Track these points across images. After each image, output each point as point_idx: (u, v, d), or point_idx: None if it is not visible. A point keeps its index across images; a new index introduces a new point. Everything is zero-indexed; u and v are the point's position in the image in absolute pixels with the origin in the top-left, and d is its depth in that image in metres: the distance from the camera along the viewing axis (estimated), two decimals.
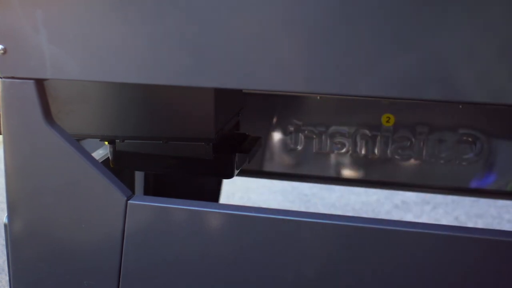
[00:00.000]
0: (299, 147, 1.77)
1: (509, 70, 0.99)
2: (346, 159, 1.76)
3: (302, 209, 3.04)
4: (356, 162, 1.76)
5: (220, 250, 1.15)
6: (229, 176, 1.37)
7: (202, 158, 1.31)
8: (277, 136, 1.79)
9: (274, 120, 1.78)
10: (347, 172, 1.78)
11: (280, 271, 1.14)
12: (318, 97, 1.71)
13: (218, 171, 1.36)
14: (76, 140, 1.18)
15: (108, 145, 1.36)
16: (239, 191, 3.19)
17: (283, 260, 1.13)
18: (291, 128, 1.76)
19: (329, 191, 3.17)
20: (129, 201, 1.15)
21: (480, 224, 2.83)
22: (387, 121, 1.67)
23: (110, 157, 1.36)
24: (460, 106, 1.62)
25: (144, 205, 1.15)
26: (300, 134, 1.76)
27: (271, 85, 1.08)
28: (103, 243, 1.17)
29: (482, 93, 1.01)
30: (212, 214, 1.14)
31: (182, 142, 1.31)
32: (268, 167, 1.85)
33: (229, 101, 1.42)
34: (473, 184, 1.73)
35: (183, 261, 1.15)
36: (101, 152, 1.49)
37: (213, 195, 1.93)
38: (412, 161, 1.70)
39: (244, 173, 1.86)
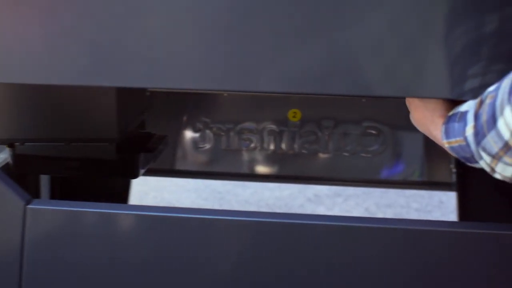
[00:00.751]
0: (208, 145, 1.76)
1: (414, 64, 1.01)
2: (258, 155, 1.76)
3: (216, 206, 3.04)
4: (268, 158, 1.77)
5: (128, 253, 1.12)
6: (134, 176, 1.34)
7: (105, 158, 1.28)
8: (186, 134, 1.78)
9: (183, 118, 1.77)
10: (259, 168, 1.79)
11: (195, 271, 1.12)
12: (225, 94, 1.70)
13: (122, 171, 1.33)
14: None
15: (8, 149, 1.31)
16: (152, 190, 3.15)
17: (197, 260, 1.12)
18: (200, 126, 1.75)
19: (243, 187, 3.18)
20: (27, 206, 1.10)
21: (389, 214, 2.91)
22: (294, 116, 1.69)
23: (10, 161, 1.31)
24: (364, 100, 1.65)
25: (45, 209, 1.10)
26: (208, 131, 1.75)
27: (174, 83, 1.06)
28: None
29: (388, 87, 1.03)
30: (117, 216, 1.12)
31: (85, 143, 1.28)
32: (180, 166, 1.83)
33: (133, 100, 1.39)
34: (382, 175, 1.78)
35: (90, 266, 1.12)
36: (2, 156, 1.43)
37: (122, 196, 1.90)
38: (322, 155, 1.72)
39: (156, 172, 1.83)
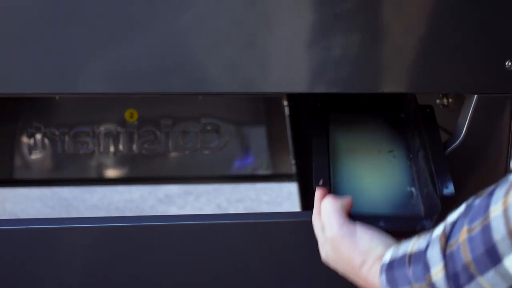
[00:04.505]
0: (44, 151, 1.69)
1: (255, 60, 1.02)
2: (102, 159, 1.72)
3: (64, 214, 2.93)
4: (115, 161, 1.73)
5: None
6: None
7: None
8: (20, 141, 1.69)
9: (14, 124, 1.68)
10: (105, 171, 1.75)
11: (42, 282, 1.07)
12: (57, 97, 1.64)
13: None
14: None
15: None
16: None
17: (48, 271, 1.08)
18: (33, 132, 1.67)
19: (91, 192, 3.08)
20: None
21: (240, 209, 2.94)
22: (131, 117, 1.66)
23: None
24: (200, 97, 1.65)
25: None
26: (43, 137, 1.68)
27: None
28: None
29: (228, 84, 1.03)
30: None
31: None
32: (19, 175, 1.74)
33: None
34: (230, 171, 1.78)
35: None
36: None
37: None
38: (170, 154, 1.71)
39: None
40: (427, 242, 0.74)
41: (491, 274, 0.65)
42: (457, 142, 1.06)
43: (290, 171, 1.79)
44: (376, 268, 0.82)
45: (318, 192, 0.97)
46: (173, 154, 1.71)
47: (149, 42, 0.99)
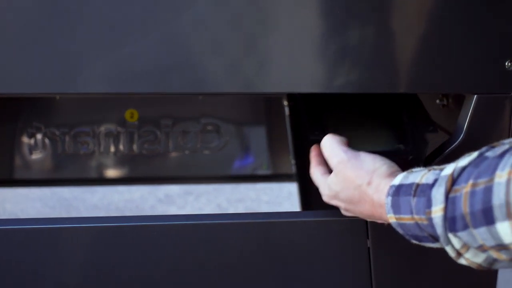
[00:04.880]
0: (44, 151, 1.69)
1: (255, 60, 1.01)
2: (102, 159, 1.72)
3: (64, 214, 2.94)
4: (115, 160, 1.73)
5: None
6: None
7: None
8: (20, 141, 1.69)
9: (14, 124, 1.68)
10: (106, 171, 1.75)
11: (42, 283, 1.07)
12: (57, 97, 1.64)
13: None
14: None
15: None
16: None
17: (48, 271, 1.07)
18: (33, 132, 1.67)
19: (91, 192, 3.09)
20: None
21: (240, 209, 2.94)
22: (131, 117, 1.66)
23: None
24: (200, 97, 1.65)
25: None
26: (43, 137, 1.68)
27: None
28: None
29: (228, 84, 1.03)
30: None
31: None
32: (20, 175, 1.74)
33: None
34: (230, 171, 1.78)
35: None
36: None
37: None
38: (170, 154, 1.71)
39: None
40: (435, 178, 0.78)
41: (483, 230, 0.70)
42: (457, 142, 1.06)
43: (290, 171, 1.79)
44: (383, 187, 0.86)
45: (314, 148, 1.02)
46: (173, 154, 1.71)
47: (149, 42, 0.99)
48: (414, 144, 1.09)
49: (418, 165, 0.88)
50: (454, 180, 0.74)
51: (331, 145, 0.96)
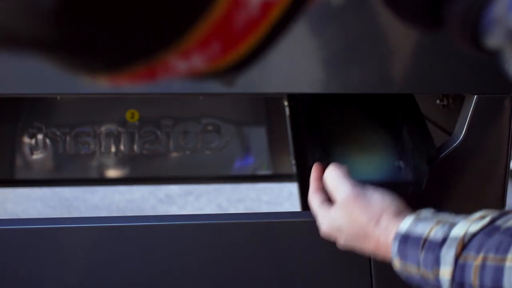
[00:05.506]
0: (45, 151, 1.69)
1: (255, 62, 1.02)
2: (103, 159, 1.72)
3: (65, 214, 2.93)
4: (115, 161, 1.73)
5: None
6: None
7: None
8: (21, 141, 1.69)
9: (15, 124, 1.68)
10: (106, 172, 1.75)
11: (45, 283, 1.07)
12: (58, 97, 1.64)
13: None
14: None
15: None
16: None
17: (48, 271, 1.07)
18: (34, 132, 1.67)
19: (92, 193, 3.08)
20: None
21: (241, 209, 2.93)
22: (132, 117, 1.66)
23: None
24: (201, 98, 1.65)
25: None
26: (44, 137, 1.68)
27: None
28: None
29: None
30: None
31: None
32: (21, 175, 1.74)
33: None
34: (231, 171, 1.78)
35: None
36: None
37: None
38: (170, 154, 1.71)
39: None
40: (444, 237, 0.77)
41: None
42: (457, 142, 1.07)
43: (291, 171, 1.79)
44: (391, 228, 0.84)
45: (315, 170, 0.99)
46: (174, 154, 1.71)
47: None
48: (413, 159, 1.08)
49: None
50: (464, 245, 0.74)
51: (337, 178, 0.92)
